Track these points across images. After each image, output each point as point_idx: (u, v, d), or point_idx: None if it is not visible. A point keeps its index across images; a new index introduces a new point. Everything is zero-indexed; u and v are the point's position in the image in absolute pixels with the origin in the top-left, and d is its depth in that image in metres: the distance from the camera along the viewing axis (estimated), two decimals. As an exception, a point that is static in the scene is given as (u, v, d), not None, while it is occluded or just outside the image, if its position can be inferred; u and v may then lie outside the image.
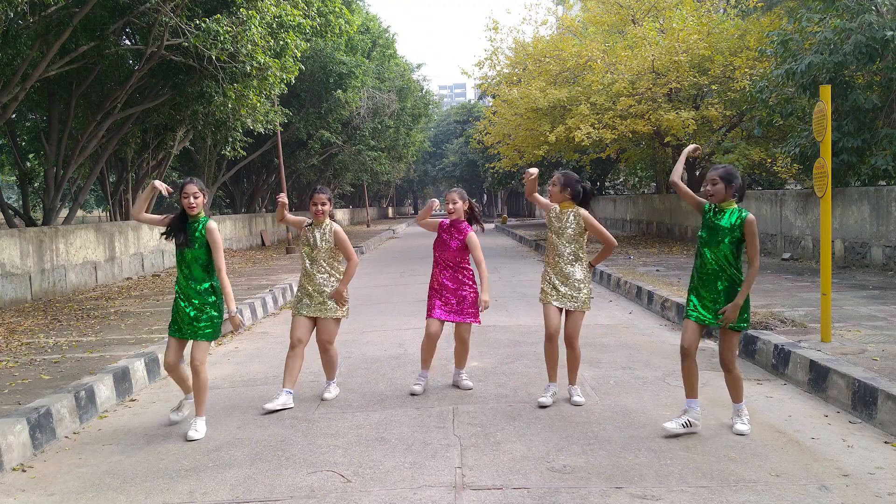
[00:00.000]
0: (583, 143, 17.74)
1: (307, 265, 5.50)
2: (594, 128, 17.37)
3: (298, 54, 13.41)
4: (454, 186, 6.41)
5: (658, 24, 18.99)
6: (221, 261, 4.85)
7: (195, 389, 4.93)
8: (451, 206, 5.68)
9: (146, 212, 5.09)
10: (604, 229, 5.30)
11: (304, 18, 13.07)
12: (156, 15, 10.90)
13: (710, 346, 7.03)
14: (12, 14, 9.43)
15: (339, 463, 4.25)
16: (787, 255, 13.42)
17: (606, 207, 30.46)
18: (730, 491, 3.70)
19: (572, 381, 5.39)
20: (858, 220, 11.60)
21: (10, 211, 14.08)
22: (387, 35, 33.09)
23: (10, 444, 4.40)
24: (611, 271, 12.17)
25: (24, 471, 4.32)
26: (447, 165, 57.87)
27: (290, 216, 5.67)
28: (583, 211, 5.28)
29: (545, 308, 5.34)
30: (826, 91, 6.30)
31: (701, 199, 4.77)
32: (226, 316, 4.98)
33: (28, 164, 17.49)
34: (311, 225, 5.52)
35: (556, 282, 5.29)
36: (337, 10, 16.35)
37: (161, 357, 6.62)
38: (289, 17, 12.35)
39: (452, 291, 5.66)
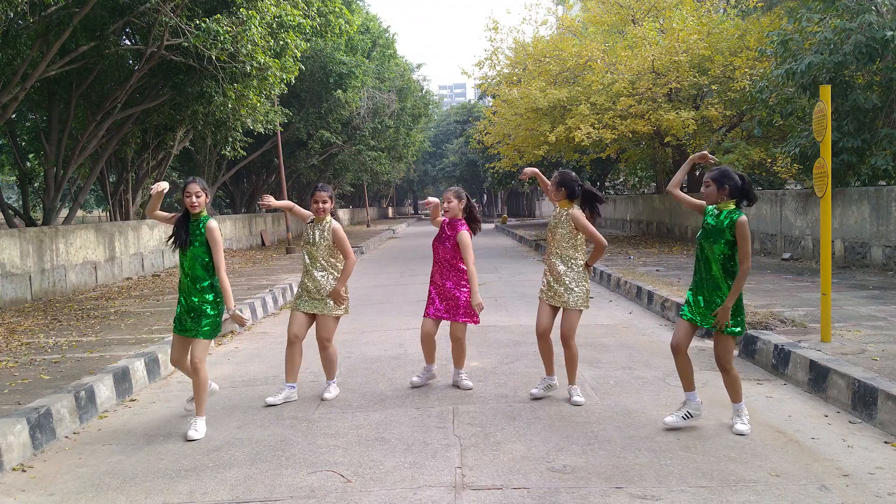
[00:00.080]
0: (583, 143, 17.74)
1: (307, 262, 5.58)
2: (594, 128, 17.38)
3: (298, 54, 13.41)
4: (453, 186, 6.42)
5: (658, 24, 19.00)
6: (221, 260, 4.89)
7: (195, 388, 4.93)
8: (446, 204, 5.75)
9: (158, 209, 5.16)
10: (593, 229, 5.23)
11: (304, 18, 13.07)
12: (156, 15, 10.90)
13: (710, 345, 7.03)
14: (12, 14, 9.44)
15: (339, 463, 4.25)
16: (787, 255, 13.42)
17: (606, 207, 30.45)
18: (730, 491, 3.70)
19: (571, 380, 5.39)
20: (858, 220, 11.60)
21: (10, 211, 14.08)
22: (387, 35, 33.09)
23: (10, 444, 4.40)
24: (611, 271, 12.17)
25: (24, 471, 4.32)
26: (447, 165, 57.88)
27: (297, 207, 5.79)
28: (574, 210, 5.28)
29: (538, 305, 5.45)
30: (826, 91, 6.30)
31: (699, 200, 4.78)
32: (226, 315, 4.99)
33: (28, 164, 17.49)
34: (312, 222, 5.59)
35: (551, 279, 5.36)
36: (337, 10, 16.35)
37: (161, 357, 6.66)
38: (289, 17, 12.35)
39: (448, 290, 5.70)
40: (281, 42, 12.57)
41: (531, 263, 16.27)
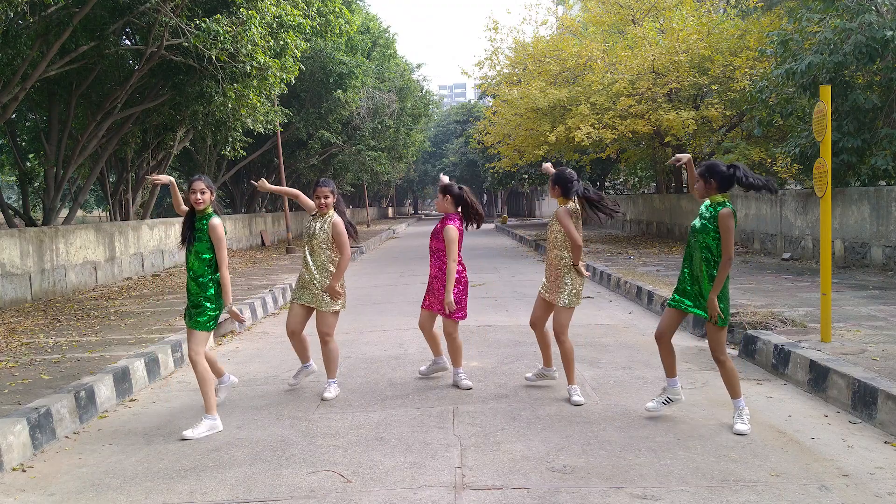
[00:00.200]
0: (583, 143, 17.74)
1: (306, 254, 5.68)
2: (594, 128, 17.37)
3: (298, 54, 13.41)
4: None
5: (658, 24, 19.00)
6: (223, 257, 4.97)
7: (198, 382, 4.96)
8: (437, 201, 5.92)
9: (181, 202, 5.35)
10: (571, 229, 5.22)
11: (304, 18, 13.07)
12: (156, 15, 10.89)
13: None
14: (12, 14, 9.43)
15: (339, 463, 4.25)
16: (787, 255, 13.42)
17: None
18: (730, 491, 3.70)
19: (570, 380, 5.41)
20: (858, 220, 11.60)
21: (10, 211, 14.09)
22: (387, 35, 33.10)
23: (10, 444, 4.40)
24: (611, 271, 12.17)
25: (24, 471, 4.32)
26: (447, 165, 57.82)
27: (303, 196, 5.96)
28: (560, 208, 5.36)
29: (536, 297, 5.69)
30: (826, 91, 6.30)
31: None
32: (226, 315, 5.02)
33: (28, 164, 17.49)
34: (315, 214, 5.70)
35: (546, 273, 5.58)
36: (337, 10, 16.35)
37: (161, 357, 6.67)
38: (289, 17, 12.35)
39: (440, 284, 5.77)
40: (281, 42, 12.57)
41: (531, 263, 16.26)
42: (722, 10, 20.37)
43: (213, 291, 4.98)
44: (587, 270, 5.55)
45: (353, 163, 29.73)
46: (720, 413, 4.94)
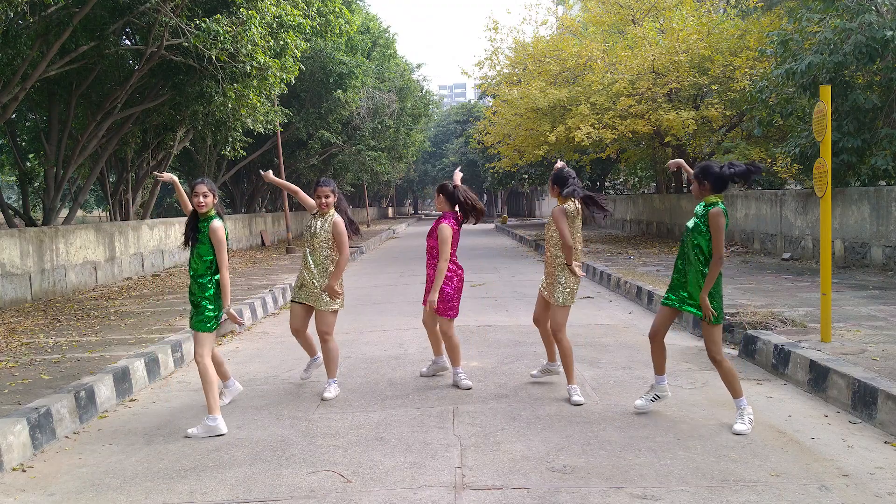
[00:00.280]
0: (583, 143, 17.74)
1: (306, 252, 5.73)
2: (594, 128, 17.38)
3: (298, 54, 13.41)
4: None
5: (658, 24, 19.00)
6: (223, 258, 5.00)
7: (202, 383, 4.98)
8: (435, 200, 6.01)
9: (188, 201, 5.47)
10: (563, 229, 5.24)
11: (304, 18, 13.07)
12: (156, 15, 10.89)
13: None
14: (12, 14, 9.43)
15: (339, 463, 4.25)
16: (787, 255, 13.43)
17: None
18: (730, 491, 3.70)
19: (570, 380, 5.42)
20: (858, 220, 11.60)
21: (10, 211, 14.08)
22: (387, 35, 33.10)
23: (10, 444, 4.40)
24: (611, 271, 12.17)
25: (24, 471, 4.32)
26: (447, 165, 57.83)
27: (302, 193, 6.04)
28: (556, 207, 5.38)
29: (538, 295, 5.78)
30: (826, 91, 6.30)
31: None
32: (225, 316, 5.02)
33: (28, 164, 17.49)
34: (316, 213, 5.74)
35: (545, 271, 5.65)
36: (337, 10, 16.35)
37: (161, 357, 6.67)
38: (289, 17, 12.35)
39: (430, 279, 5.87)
40: (281, 42, 12.57)
41: (531, 263, 16.26)
42: (722, 10, 20.38)
43: (212, 292, 5.00)
44: (582, 271, 5.55)
45: (353, 163, 29.73)
46: (720, 413, 4.94)
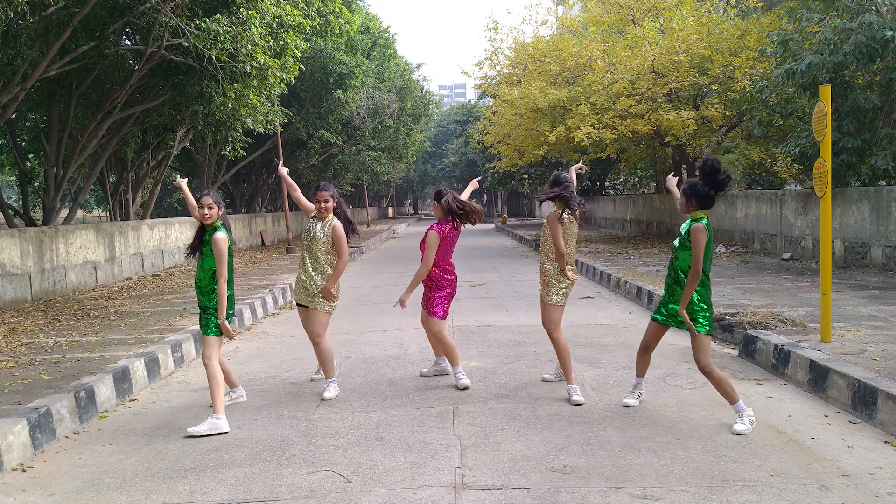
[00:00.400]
0: (583, 143, 17.74)
1: (305, 255, 5.75)
2: (594, 128, 17.37)
3: (298, 54, 13.41)
4: (455, 186, 6.54)
5: (658, 24, 18.99)
6: (222, 271, 5.07)
7: (209, 383, 5.02)
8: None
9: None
10: (556, 235, 5.33)
11: (304, 18, 13.06)
12: (156, 15, 10.89)
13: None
14: (12, 14, 9.44)
15: (339, 463, 4.25)
16: (787, 255, 13.43)
17: (606, 207, 30.46)
18: (730, 491, 3.70)
19: (568, 379, 5.44)
20: (858, 220, 11.60)
21: (10, 211, 14.08)
22: (387, 35, 33.09)
23: (10, 444, 4.40)
24: (611, 271, 12.17)
25: (24, 471, 4.33)
26: (447, 165, 57.84)
27: (302, 197, 6.05)
28: (551, 213, 5.46)
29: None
30: (826, 91, 6.30)
31: None
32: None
33: (28, 164, 17.50)
34: (314, 217, 5.76)
35: (539, 274, 5.69)
36: (337, 10, 16.34)
37: (161, 357, 6.67)
38: (289, 17, 12.35)
39: (425, 283, 5.92)
40: (281, 42, 12.57)
41: (531, 263, 16.26)
42: (722, 10, 20.36)
43: (217, 301, 5.11)
44: (576, 275, 5.59)
45: (353, 163, 29.73)
46: (720, 413, 4.94)
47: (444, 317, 5.87)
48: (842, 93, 11.54)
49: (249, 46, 11.34)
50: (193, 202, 5.49)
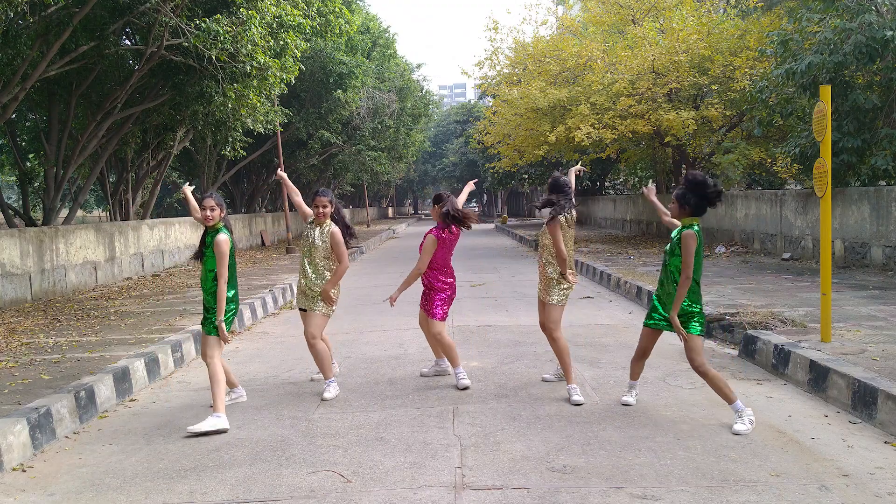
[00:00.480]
0: (583, 143, 17.74)
1: (304, 261, 5.76)
2: (594, 128, 17.37)
3: (298, 54, 13.41)
4: (454, 186, 6.57)
5: (658, 24, 18.99)
6: (222, 272, 5.10)
7: (210, 381, 5.05)
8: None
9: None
10: (557, 239, 5.33)
11: (304, 18, 13.06)
12: (156, 15, 10.89)
13: (709, 346, 7.03)
14: (12, 14, 9.43)
15: (339, 463, 4.25)
16: (787, 255, 13.42)
17: (606, 207, 30.46)
18: (730, 491, 3.70)
19: (568, 379, 5.44)
20: (858, 220, 11.60)
21: (10, 211, 14.08)
22: (387, 35, 33.10)
23: (10, 444, 4.40)
24: (611, 271, 12.17)
25: (24, 471, 4.33)
26: (447, 165, 57.82)
27: (302, 203, 6.06)
28: (549, 218, 5.45)
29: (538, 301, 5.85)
30: (826, 91, 6.30)
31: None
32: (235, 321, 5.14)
33: (28, 164, 17.49)
34: (312, 223, 5.76)
35: (538, 276, 5.71)
36: (337, 10, 16.34)
37: (161, 357, 6.67)
38: (289, 17, 12.35)
39: (423, 284, 5.95)
40: (281, 42, 12.57)
41: (531, 263, 16.26)
42: (722, 10, 20.37)
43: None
44: (576, 277, 5.60)
45: (353, 163, 29.73)
46: (720, 413, 4.94)
47: (443, 318, 5.87)
48: (842, 93, 11.54)
49: (249, 46, 11.34)
50: (196, 206, 5.53)
